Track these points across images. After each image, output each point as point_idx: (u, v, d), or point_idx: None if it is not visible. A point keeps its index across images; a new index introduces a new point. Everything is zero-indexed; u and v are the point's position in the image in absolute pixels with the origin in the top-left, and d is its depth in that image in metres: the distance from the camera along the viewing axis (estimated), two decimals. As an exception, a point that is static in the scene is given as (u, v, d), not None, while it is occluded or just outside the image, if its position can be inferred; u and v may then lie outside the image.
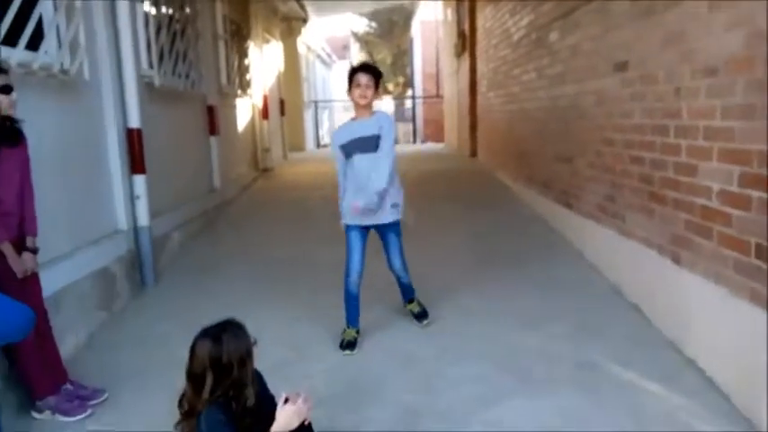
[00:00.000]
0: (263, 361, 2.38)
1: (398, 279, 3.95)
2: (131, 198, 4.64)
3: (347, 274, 3.71)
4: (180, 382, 2.29)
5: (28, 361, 2.97)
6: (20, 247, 2.87)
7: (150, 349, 3.75)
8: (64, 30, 3.82)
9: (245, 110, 9.51)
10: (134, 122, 4.58)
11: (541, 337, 3.72)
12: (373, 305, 4.13)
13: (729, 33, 2.88)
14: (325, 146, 18.00)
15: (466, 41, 11.55)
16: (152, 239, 4.81)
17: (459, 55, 12.64)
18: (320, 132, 20.20)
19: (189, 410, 2.26)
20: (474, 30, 10.95)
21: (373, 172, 3.57)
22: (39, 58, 3.48)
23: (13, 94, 2.76)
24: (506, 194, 7.94)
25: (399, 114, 25.34)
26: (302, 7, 13.68)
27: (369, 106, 3.64)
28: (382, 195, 3.59)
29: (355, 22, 29.92)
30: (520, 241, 5.88)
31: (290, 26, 14.51)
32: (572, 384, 3.16)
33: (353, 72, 3.63)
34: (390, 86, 31.93)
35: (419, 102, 21.75)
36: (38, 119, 3.31)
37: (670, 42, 3.48)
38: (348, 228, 3.72)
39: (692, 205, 3.24)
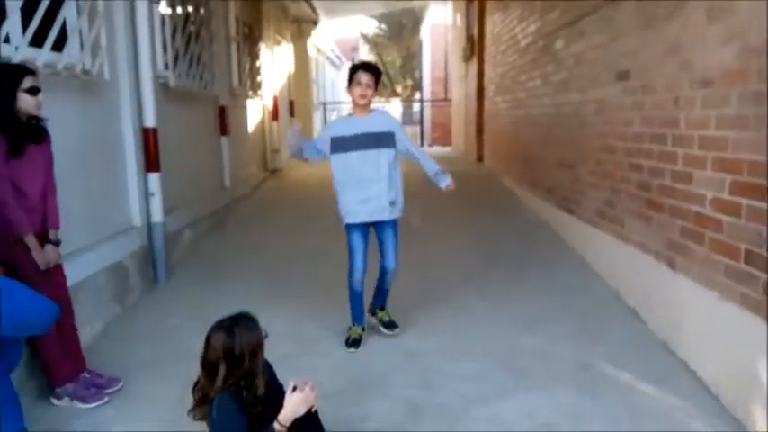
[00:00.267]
0: (270, 355, 2.50)
1: (383, 283, 3.90)
2: (146, 195, 4.78)
3: (351, 274, 3.79)
4: (191, 373, 2.43)
5: (49, 349, 3.10)
6: (43, 240, 3.02)
7: (162, 342, 3.88)
8: (86, 32, 3.97)
9: (255, 111, 9.66)
10: (150, 122, 4.72)
11: (541, 338, 3.84)
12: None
13: (725, 47, 3.00)
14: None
15: (474, 46, 11.67)
16: (165, 236, 4.95)
17: (467, 59, 12.76)
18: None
19: (202, 397, 2.39)
20: (482, 35, 11.08)
21: (367, 169, 3.63)
22: (63, 59, 3.63)
23: (40, 96, 2.91)
24: (511, 199, 8.06)
25: (407, 117, 25.44)
26: (313, 9, 13.83)
27: (368, 104, 3.73)
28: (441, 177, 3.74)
29: (365, 25, 30.11)
30: (523, 245, 6.00)
31: (301, 28, 14.66)
32: (569, 383, 3.28)
33: (354, 70, 3.69)
34: (399, 89, 32.07)
35: (427, 105, 21.86)
36: (61, 117, 3.45)
37: (670, 53, 3.60)
38: (349, 229, 3.74)
39: (687, 212, 3.36)
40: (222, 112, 7.31)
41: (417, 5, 21.08)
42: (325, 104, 20.25)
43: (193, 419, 2.42)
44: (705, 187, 3.17)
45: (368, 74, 3.65)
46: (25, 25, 3.34)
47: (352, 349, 3.74)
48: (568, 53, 5.73)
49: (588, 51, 5.14)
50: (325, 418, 2.51)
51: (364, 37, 31.63)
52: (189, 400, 2.42)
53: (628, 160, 4.23)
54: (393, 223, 3.78)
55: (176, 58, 5.69)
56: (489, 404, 3.08)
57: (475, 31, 11.57)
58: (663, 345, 3.64)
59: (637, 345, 3.70)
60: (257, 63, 10.00)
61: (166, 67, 5.34)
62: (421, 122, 21.83)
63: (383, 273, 3.86)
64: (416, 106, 24.73)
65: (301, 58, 14.92)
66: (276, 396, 2.40)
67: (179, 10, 5.99)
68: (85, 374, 3.26)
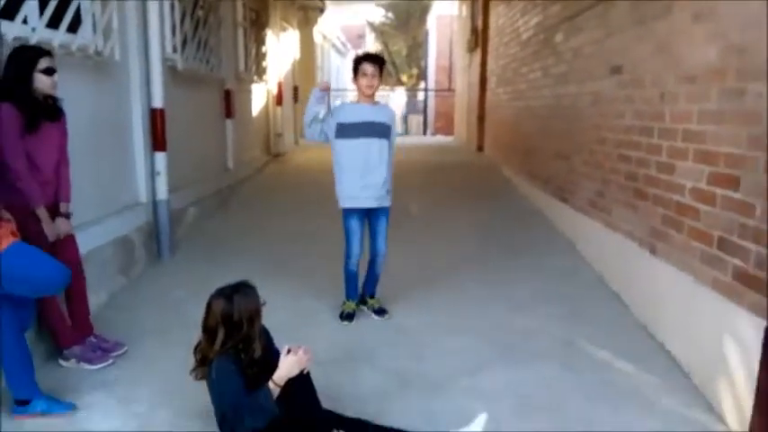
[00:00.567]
0: (268, 325, 2.68)
1: (374, 266, 4.03)
2: (152, 173, 4.96)
3: (348, 256, 3.96)
4: (193, 341, 2.61)
5: (51, 314, 3.29)
6: (54, 213, 3.19)
7: (165, 311, 4.08)
8: (99, 15, 4.12)
9: (260, 95, 9.81)
10: (158, 103, 4.89)
11: (528, 318, 4.03)
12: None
13: (708, 45, 3.14)
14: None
15: (478, 38, 11.77)
16: (169, 213, 5.13)
17: (471, 50, 12.87)
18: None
19: (202, 359, 2.58)
20: (486, 26, 11.18)
21: (372, 156, 3.79)
22: (77, 41, 3.80)
23: (55, 76, 3.08)
24: (509, 188, 8.21)
25: (411, 106, 25.54)
26: (320, -6, 13.95)
27: (374, 94, 3.88)
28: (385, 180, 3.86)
29: (372, 12, 30.05)
30: (518, 232, 6.17)
31: (307, 15, 14.74)
32: (551, 359, 3.46)
33: (359, 61, 3.83)
34: (404, 78, 32.10)
35: (431, 94, 21.93)
36: (74, 96, 3.61)
37: (659, 50, 3.75)
38: (347, 215, 3.88)
39: (669, 201, 3.52)
40: (228, 95, 7.46)
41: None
42: (329, 91, 20.28)
43: (195, 379, 2.60)
44: (686, 178, 3.33)
45: (373, 65, 3.79)
46: (42, 8, 3.50)
47: (346, 323, 3.93)
48: (567, 47, 5.87)
49: (586, 46, 5.28)
50: (317, 384, 2.67)
51: (371, 25, 31.62)
52: (191, 364, 2.60)
53: (618, 151, 4.39)
54: (386, 211, 3.95)
55: (185, 42, 5.84)
56: (474, 376, 3.27)
57: (479, 23, 11.67)
58: (643, 327, 3.82)
59: (618, 326, 3.88)
60: (263, 49, 10.13)
61: (175, 50, 5.49)
62: (425, 111, 21.92)
63: (374, 255, 3.99)
64: (421, 95, 24.79)
65: (307, 45, 15.02)
66: (271, 359, 2.56)
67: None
68: (92, 339, 3.45)
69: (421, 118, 22.51)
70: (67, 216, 3.27)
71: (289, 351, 2.53)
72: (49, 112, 3.12)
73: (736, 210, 2.82)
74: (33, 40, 3.33)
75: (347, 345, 3.67)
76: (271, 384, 2.44)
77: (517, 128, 8.37)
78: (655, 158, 3.74)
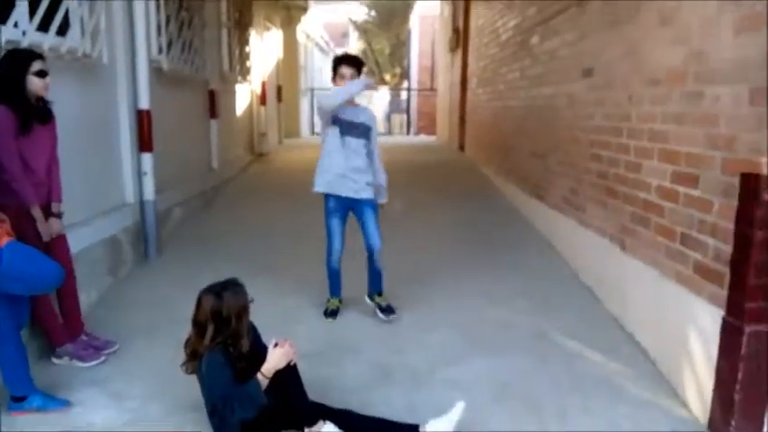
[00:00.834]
0: (255, 321, 2.79)
1: (373, 263, 4.08)
2: (139, 174, 5.05)
3: (329, 254, 4.09)
4: (182, 337, 2.73)
5: (44, 312, 3.37)
6: (47, 213, 3.28)
7: (154, 310, 4.18)
8: (87, 18, 4.21)
9: (244, 95, 9.89)
10: (144, 104, 4.98)
11: (505, 311, 4.19)
12: (354, 277, 4.41)
13: (672, 49, 3.32)
14: (319, 133, 18.24)
15: (459, 38, 11.92)
16: (156, 213, 5.22)
17: (452, 50, 13.02)
18: (316, 119, 20.48)
19: (192, 353, 2.70)
20: (467, 27, 11.34)
21: (349, 152, 3.90)
22: (66, 44, 3.89)
23: (47, 78, 3.17)
24: (488, 187, 8.39)
25: (394, 105, 25.63)
26: (303, -5, 14.04)
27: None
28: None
29: (355, 10, 30.09)
30: (496, 230, 6.34)
31: (290, 14, 14.84)
32: (525, 350, 3.63)
33: (338, 63, 3.92)
34: (387, 77, 32.20)
35: (414, 94, 22.07)
36: (63, 98, 3.69)
37: (627, 53, 3.92)
38: (328, 213, 3.99)
39: (637, 198, 3.71)
40: (212, 95, 7.55)
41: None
42: (312, 90, 20.39)
43: (185, 373, 2.72)
44: (652, 176, 3.52)
45: (351, 67, 3.87)
46: (32, 12, 3.59)
47: (330, 319, 4.06)
48: (543, 49, 6.04)
49: (560, 48, 5.46)
50: (304, 378, 2.80)
51: (354, 23, 31.67)
52: (180, 359, 2.72)
53: (590, 151, 4.57)
54: (371, 203, 4.02)
55: (170, 43, 5.92)
56: (452, 367, 3.42)
57: (460, 23, 11.82)
58: (614, 320, 4.00)
59: (590, 319, 4.06)
60: (247, 49, 10.20)
61: (160, 51, 5.57)
62: (407, 111, 22.04)
63: (370, 252, 4.06)
64: (404, 95, 24.93)
65: (290, 44, 15.10)
66: (259, 353, 2.68)
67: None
68: (83, 337, 3.55)
69: (404, 117, 22.62)
70: (59, 216, 3.37)
71: (276, 344, 2.66)
72: (41, 114, 3.21)
73: (696, 206, 3.00)
74: (24, 44, 3.42)
75: (331, 339, 3.80)
76: (259, 376, 2.57)
77: (496, 128, 8.55)
78: (624, 158, 3.92)
